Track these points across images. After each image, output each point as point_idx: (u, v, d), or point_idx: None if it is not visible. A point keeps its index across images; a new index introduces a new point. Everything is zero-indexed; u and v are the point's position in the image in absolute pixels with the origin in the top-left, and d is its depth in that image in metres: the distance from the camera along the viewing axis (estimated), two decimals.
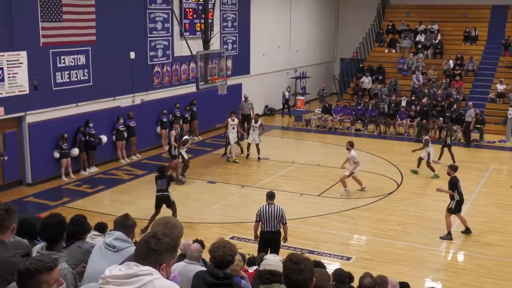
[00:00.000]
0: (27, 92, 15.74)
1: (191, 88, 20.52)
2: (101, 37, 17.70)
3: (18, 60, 15.35)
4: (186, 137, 17.30)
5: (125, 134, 18.81)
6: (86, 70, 17.53)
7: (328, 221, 13.91)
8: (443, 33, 29.81)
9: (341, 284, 6.59)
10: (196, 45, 19.11)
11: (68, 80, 16.97)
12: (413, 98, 25.40)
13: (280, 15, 28.32)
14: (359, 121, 24.66)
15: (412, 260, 11.71)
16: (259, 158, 19.31)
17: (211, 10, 19.14)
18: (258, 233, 10.45)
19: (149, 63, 20.12)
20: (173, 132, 17.44)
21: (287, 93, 28.04)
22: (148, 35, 19.94)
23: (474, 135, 22.48)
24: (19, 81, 15.46)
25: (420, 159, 17.81)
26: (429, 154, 17.65)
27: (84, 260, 4.81)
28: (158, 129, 20.61)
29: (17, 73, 15.36)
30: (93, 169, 17.72)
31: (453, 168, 13.22)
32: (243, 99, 22.97)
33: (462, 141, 22.11)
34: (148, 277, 2.74)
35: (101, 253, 4.31)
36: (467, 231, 12.98)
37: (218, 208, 14.78)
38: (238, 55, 25.18)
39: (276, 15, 27.97)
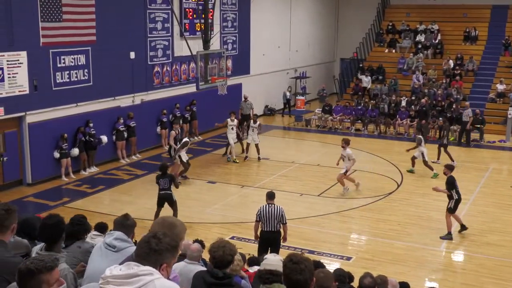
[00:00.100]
0: (27, 92, 15.74)
1: (191, 88, 20.52)
2: (101, 37, 17.71)
3: (18, 60, 15.36)
4: (185, 139, 17.28)
5: (125, 134, 18.82)
6: (86, 70, 17.53)
7: (328, 221, 13.92)
8: (443, 33, 29.81)
9: (341, 284, 6.60)
10: (196, 45, 19.11)
11: (68, 80, 16.97)
12: (413, 98, 25.40)
13: (280, 15, 28.32)
14: (359, 121, 24.66)
15: (412, 260, 11.71)
16: (259, 158, 19.30)
17: (211, 10, 19.13)
18: (258, 233, 10.45)
19: (149, 63, 20.12)
20: (173, 133, 17.45)
21: (288, 93, 28.04)
22: (148, 35, 19.95)
23: (474, 135, 22.47)
24: (19, 81, 15.46)
25: (413, 158, 17.81)
26: (423, 153, 17.62)
27: (84, 260, 4.80)
28: (158, 129, 20.61)
29: (17, 73, 15.36)
30: (93, 169, 17.73)
31: (449, 167, 13.23)
32: (243, 99, 22.98)
33: (452, 139, 21.87)
34: (149, 277, 2.74)
35: (101, 253, 4.30)
36: (463, 228, 12.98)
37: (218, 208, 14.78)
38: (238, 55, 25.18)
39: (276, 15, 27.97)
